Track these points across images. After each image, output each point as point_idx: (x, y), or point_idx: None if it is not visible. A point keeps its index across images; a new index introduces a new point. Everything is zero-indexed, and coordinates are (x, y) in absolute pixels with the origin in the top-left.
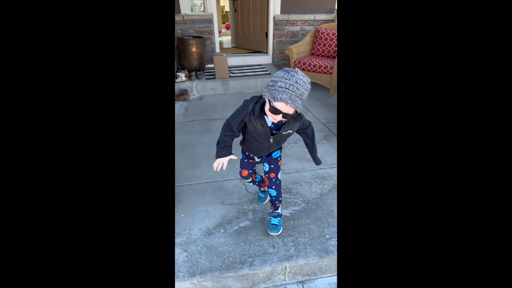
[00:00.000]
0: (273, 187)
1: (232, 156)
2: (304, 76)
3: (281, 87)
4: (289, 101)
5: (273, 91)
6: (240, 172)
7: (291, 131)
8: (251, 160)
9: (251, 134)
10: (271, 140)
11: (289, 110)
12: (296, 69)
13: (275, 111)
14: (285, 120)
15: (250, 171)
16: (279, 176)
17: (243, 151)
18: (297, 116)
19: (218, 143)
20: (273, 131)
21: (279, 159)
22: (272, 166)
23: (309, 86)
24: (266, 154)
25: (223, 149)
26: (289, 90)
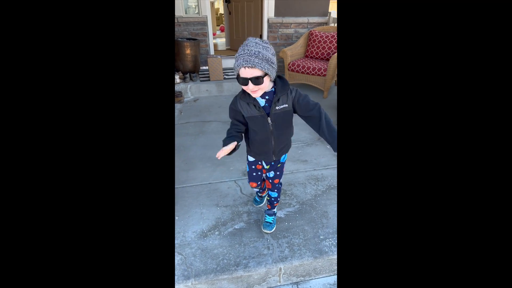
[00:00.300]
0: (275, 190)
1: (234, 144)
2: (255, 38)
3: (236, 57)
4: (244, 63)
5: (234, 65)
6: (249, 184)
7: (286, 105)
8: (259, 173)
9: (251, 128)
10: (269, 121)
11: (252, 72)
12: (250, 37)
13: (243, 81)
14: (259, 86)
15: (259, 183)
16: (281, 180)
17: (249, 164)
18: (272, 79)
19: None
20: (268, 113)
21: (284, 164)
22: (278, 172)
23: (264, 45)
24: (274, 162)
25: (226, 139)
26: (242, 54)
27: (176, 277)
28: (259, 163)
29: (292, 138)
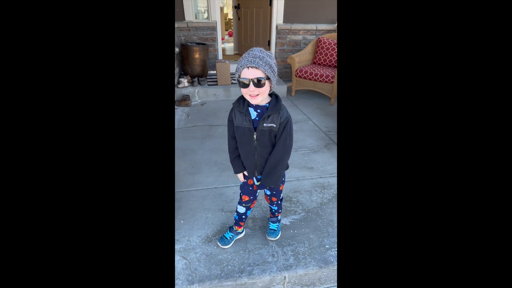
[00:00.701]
0: (274, 205)
1: (245, 172)
2: (260, 48)
3: (239, 61)
4: (248, 63)
5: (237, 70)
6: (241, 197)
7: (274, 125)
8: (251, 188)
9: (238, 139)
10: (255, 136)
11: (255, 73)
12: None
13: (244, 83)
14: (260, 89)
15: (252, 197)
16: (280, 197)
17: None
18: (271, 93)
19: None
20: (256, 127)
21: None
22: (274, 192)
23: (268, 53)
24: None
25: (232, 163)
26: (245, 57)
27: (180, 281)
28: (248, 176)
29: (299, 144)
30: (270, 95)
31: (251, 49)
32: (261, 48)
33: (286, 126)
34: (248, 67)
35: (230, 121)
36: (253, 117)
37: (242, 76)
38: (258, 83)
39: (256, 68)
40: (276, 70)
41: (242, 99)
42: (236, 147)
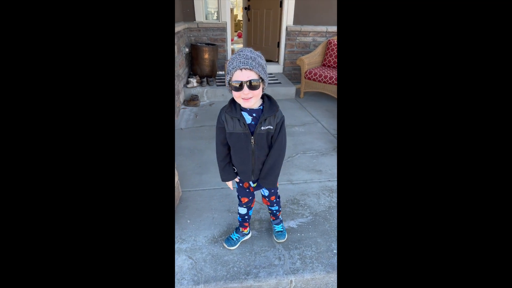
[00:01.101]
0: (274, 205)
1: (236, 179)
2: (250, 48)
3: (230, 61)
4: (241, 64)
5: (227, 72)
6: (240, 199)
7: (271, 127)
8: (247, 190)
9: (232, 145)
10: (252, 140)
11: (249, 75)
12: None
13: (237, 86)
14: (254, 92)
15: (250, 197)
16: (278, 194)
17: (237, 183)
18: (265, 94)
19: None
20: (253, 131)
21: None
22: (272, 190)
23: (258, 54)
24: (258, 179)
25: (223, 171)
26: (237, 58)
27: (185, 281)
28: (243, 181)
29: (307, 147)
30: (261, 96)
31: (240, 49)
32: (251, 49)
33: (282, 126)
34: (241, 69)
35: (221, 127)
36: (248, 122)
37: (234, 78)
38: (253, 86)
39: (250, 69)
40: (267, 71)
41: (233, 103)
42: (227, 154)
